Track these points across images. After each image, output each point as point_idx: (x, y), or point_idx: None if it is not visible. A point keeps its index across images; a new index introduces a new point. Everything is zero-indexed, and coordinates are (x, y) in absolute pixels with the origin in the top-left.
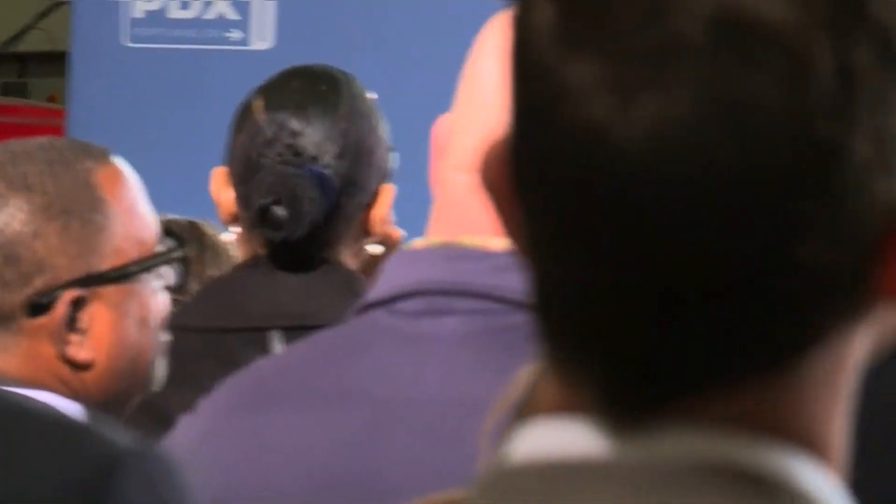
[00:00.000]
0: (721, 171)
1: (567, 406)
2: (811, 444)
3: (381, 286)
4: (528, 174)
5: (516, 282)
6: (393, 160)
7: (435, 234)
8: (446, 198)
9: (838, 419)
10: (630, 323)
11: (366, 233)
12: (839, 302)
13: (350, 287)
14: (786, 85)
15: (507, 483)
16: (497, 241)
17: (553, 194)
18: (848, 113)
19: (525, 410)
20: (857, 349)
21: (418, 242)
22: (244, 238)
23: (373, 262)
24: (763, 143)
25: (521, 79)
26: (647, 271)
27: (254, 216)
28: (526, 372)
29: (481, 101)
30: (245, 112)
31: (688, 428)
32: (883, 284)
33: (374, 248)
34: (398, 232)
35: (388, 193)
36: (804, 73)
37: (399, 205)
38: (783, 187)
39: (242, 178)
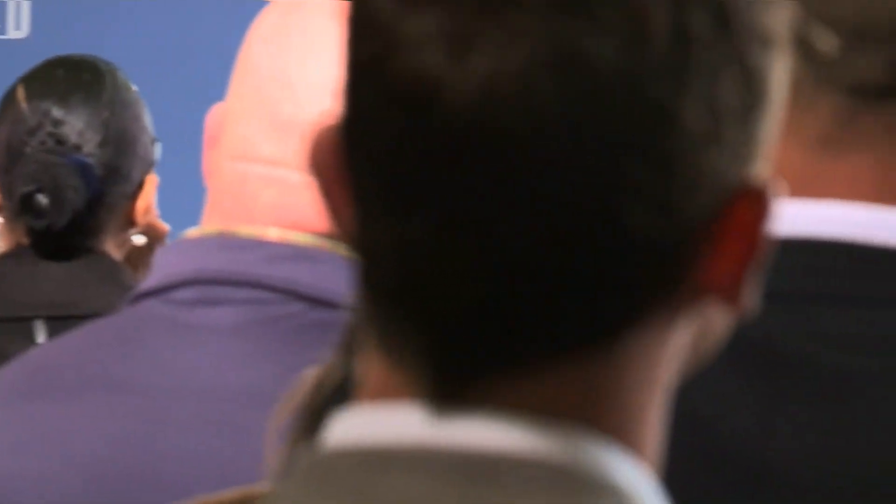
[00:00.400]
0: (551, 127)
1: (389, 390)
2: (625, 434)
3: (154, 275)
4: (357, 134)
5: (291, 271)
6: (156, 151)
7: (209, 224)
8: (221, 187)
9: (654, 411)
10: (451, 288)
11: (130, 223)
12: (663, 282)
13: (114, 276)
14: (621, 43)
15: (319, 472)
16: (273, 230)
17: (382, 150)
18: (682, 78)
19: (319, 398)
20: (676, 341)
21: (192, 232)
22: (8, 228)
23: (137, 253)
24: (595, 101)
25: (355, 38)
26: (471, 229)
27: (16, 205)
28: (317, 364)
29: (255, 88)
30: (8, 101)
31: (502, 414)
32: (709, 272)
33: (138, 239)
34: (163, 224)
35: (151, 183)
36: (640, 33)
37: (163, 197)
38: (613, 148)
39: (5, 167)
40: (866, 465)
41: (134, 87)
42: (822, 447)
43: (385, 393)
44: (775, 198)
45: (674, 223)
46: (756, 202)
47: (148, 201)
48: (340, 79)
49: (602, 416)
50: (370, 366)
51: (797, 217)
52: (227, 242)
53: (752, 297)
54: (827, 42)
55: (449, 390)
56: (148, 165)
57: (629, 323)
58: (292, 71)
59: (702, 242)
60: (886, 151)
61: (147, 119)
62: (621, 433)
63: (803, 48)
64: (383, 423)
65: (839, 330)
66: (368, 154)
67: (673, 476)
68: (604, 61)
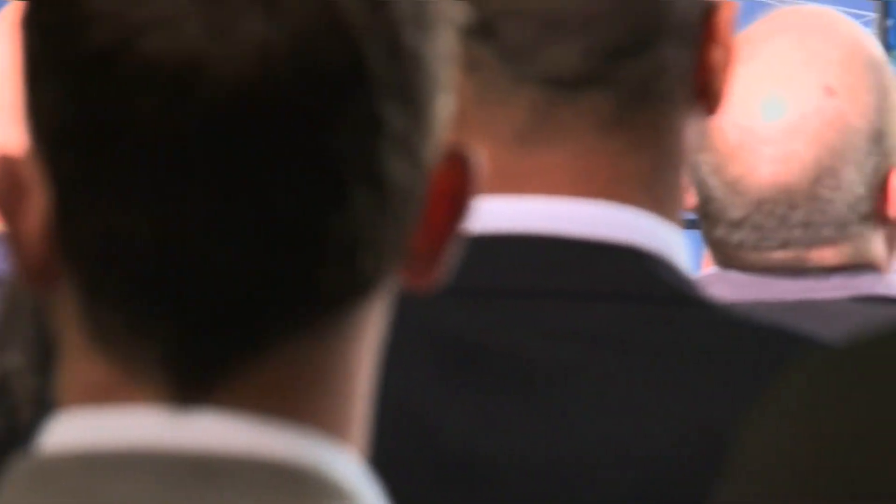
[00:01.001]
0: (324, 87)
1: (111, 389)
2: (338, 424)
3: None
4: (85, 129)
5: None
6: None
7: None
8: None
9: (362, 399)
10: (219, 268)
11: None
12: (403, 243)
13: None
14: (369, 1)
15: (39, 478)
16: None
17: (135, 138)
18: (425, 27)
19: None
20: (381, 319)
21: None
22: None
23: None
24: (356, 55)
25: (68, 31)
26: (247, 203)
27: None
28: None
29: None
30: None
31: (233, 413)
32: (413, 239)
33: None
34: None
35: None
36: None
37: None
38: (378, 96)
39: None
40: (573, 458)
41: None
42: (529, 442)
43: (106, 393)
44: (478, 165)
45: (421, 174)
46: (460, 167)
47: None
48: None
49: (318, 409)
50: (78, 365)
51: (496, 213)
52: None
53: (442, 272)
54: (519, 35)
55: (183, 388)
56: None
57: (370, 291)
58: None
59: (425, 198)
60: (585, 143)
61: None
62: (334, 424)
63: (496, 43)
64: (110, 424)
65: (540, 323)
66: (110, 145)
67: (387, 473)
68: (360, 18)
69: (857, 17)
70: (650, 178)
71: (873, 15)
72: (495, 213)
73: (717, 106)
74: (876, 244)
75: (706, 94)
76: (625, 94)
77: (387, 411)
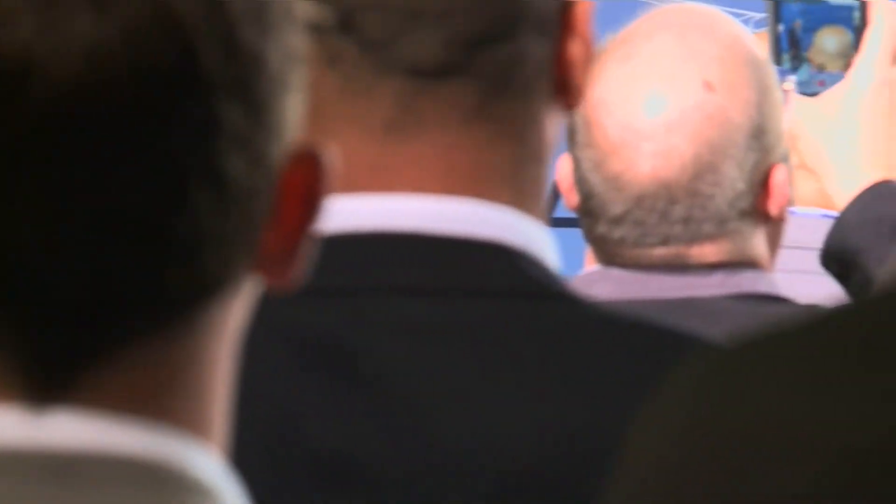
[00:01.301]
0: (156, 83)
1: None
2: (199, 421)
3: None
4: None
5: None
6: None
7: None
8: None
9: (222, 395)
10: (60, 268)
11: None
12: (251, 243)
13: None
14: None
15: None
16: None
17: None
18: (265, 24)
19: None
20: (237, 318)
21: None
22: None
23: None
24: (189, 52)
25: None
26: (85, 202)
27: None
28: None
29: None
30: None
31: (92, 410)
32: (266, 239)
33: None
34: None
35: None
36: None
37: None
38: (211, 94)
39: None
40: (433, 458)
41: None
42: (389, 441)
43: None
44: (330, 164)
45: (264, 173)
46: (312, 167)
47: None
48: None
49: (178, 407)
50: None
51: (362, 211)
52: None
53: (298, 273)
54: (379, 27)
55: (37, 389)
56: None
57: (218, 290)
58: None
59: (273, 202)
60: (450, 134)
61: None
62: (194, 422)
63: (356, 36)
64: None
65: (404, 321)
66: None
67: (249, 471)
68: (194, 16)
69: (738, 16)
70: (513, 171)
71: (754, 14)
72: (362, 211)
73: (577, 100)
74: (757, 241)
75: (566, 89)
76: (486, 85)
77: (248, 411)
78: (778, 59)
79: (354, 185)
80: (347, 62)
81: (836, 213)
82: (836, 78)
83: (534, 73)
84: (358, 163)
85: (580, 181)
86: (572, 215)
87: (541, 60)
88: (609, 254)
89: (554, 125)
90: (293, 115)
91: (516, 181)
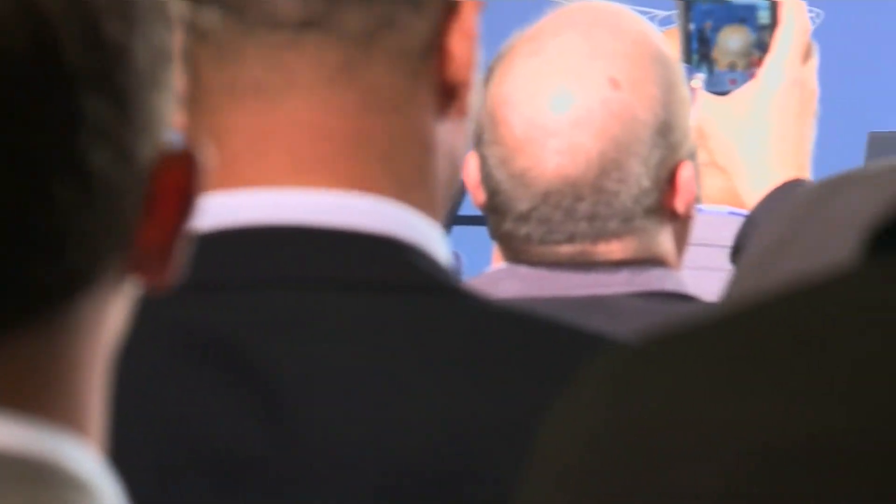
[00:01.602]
0: (17, 74)
1: None
2: (74, 417)
3: None
4: None
5: None
6: None
7: None
8: None
9: (98, 391)
10: None
11: None
12: (120, 239)
13: None
14: None
15: None
16: None
17: None
18: (130, 17)
19: None
20: (116, 314)
21: None
22: None
23: None
24: (50, 44)
25: None
26: None
27: None
28: None
29: None
30: None
31: None
32: (141, 236)
33: None
34: None
35: None
36: None
37: None
38: (72, 85)
39: None
40: (320, 455)
41: None
42: (283, 439)
43: None
44: (204, 162)
45: (132, 168)
46: (186, 164)
47: None
48: None
49: (54, 401)
50: None
51: (247, 205)
52: None
53: (174, 271)
54: None
55: None
56: None
57: (86, 285)
58: None
59: (146, 198)
60: (318, 94)
61: None
62: (71, 416)
63: (221, 3)
64: None
65: (288, 316)
66: None
67: (141, 474)
68: (55, 7)
69: (644, 14)
70: (389, 149)
71: (660, 12)
72: (244, 206)
73: (465, 96)
74: (664, 239)
75: (452, 84)
76: (350, 42)
77: (135, 411)
78: (688, 58)
79: (233, 157)
80: (217, 32)
81: (744, 211)
82: (748, 77)
83: (409, 48)
84: (234, 133)
85: (486, 178)
86: (479, 213)
87: (419, 40)
88: (515, 251)
89: (456, 128)
90: (165, 112)
91: (395, 163)
